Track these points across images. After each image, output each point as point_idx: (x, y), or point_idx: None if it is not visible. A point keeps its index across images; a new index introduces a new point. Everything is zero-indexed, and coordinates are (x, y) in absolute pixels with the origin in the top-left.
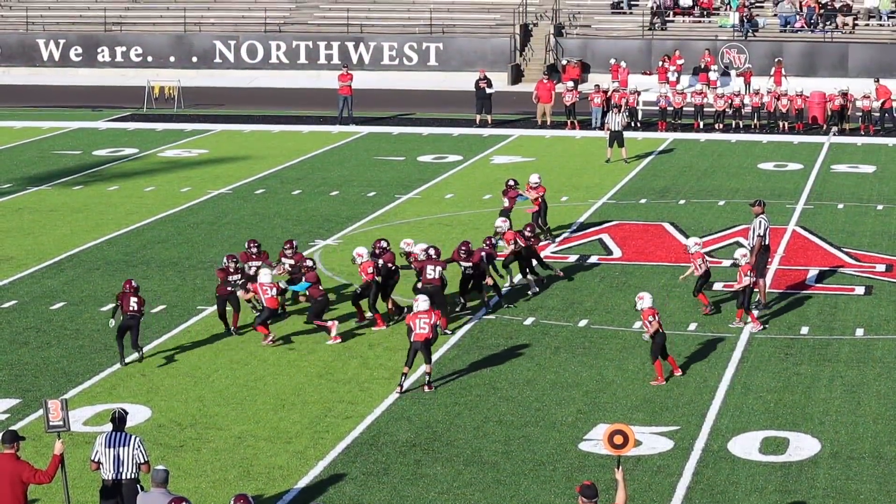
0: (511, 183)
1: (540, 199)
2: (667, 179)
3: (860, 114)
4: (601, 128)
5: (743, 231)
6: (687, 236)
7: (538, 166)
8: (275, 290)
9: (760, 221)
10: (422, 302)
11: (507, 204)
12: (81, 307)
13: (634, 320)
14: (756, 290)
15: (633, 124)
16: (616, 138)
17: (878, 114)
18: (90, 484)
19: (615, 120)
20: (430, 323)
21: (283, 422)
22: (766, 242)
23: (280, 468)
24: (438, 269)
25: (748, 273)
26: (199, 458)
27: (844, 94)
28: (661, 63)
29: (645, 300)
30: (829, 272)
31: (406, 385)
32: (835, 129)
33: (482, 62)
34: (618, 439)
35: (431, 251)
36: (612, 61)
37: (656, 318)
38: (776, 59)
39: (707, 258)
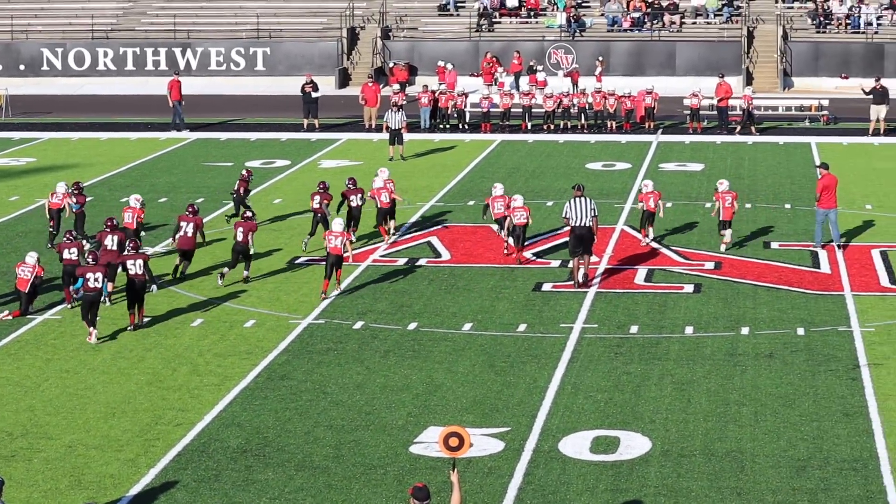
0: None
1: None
2: (495, 181)
3: (687, 112)
4: (429, 129)
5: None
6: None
7: (366, 170)
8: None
9: (588, 200)
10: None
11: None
12: None
13: (464, 322)
14: (581, 265)
15: (461, 126)
16: (396, 136)
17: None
18: None
19: (395, 118)
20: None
21: (113, 430)
22: (588, 224)
23: (111, 476)
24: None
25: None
26: (30, 468)
27: (650, 93)
28: (484, 64)
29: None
30: (658, 271)
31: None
32: (748, 128)
33: (310, 66)
34: (453, 441)
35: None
36: (440, 63)
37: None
38: (598, 58)
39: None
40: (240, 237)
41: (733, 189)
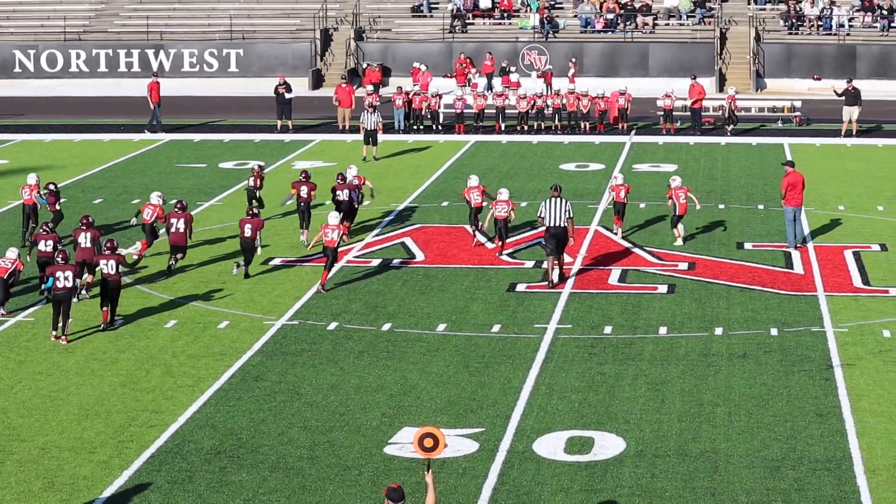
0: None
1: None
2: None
3: (660, 113)
4: (404, 131)
5: (540, 233)
6: (488, 238)
7: (340, 171)
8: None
9: (564, 201)
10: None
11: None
12: None
13: (438, 323)
14: (556, 266)
15: (435, 127)
16: (371, 136)
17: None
18: None
19: (370, 119)
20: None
21: (86, 432)
22: (563, 225)
23: (85, 478)
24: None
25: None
26: (2, 471)
27: (623, 94)
28: (457, 65)
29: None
30: (632, 271)
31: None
32: (729, 127)
33: (283, 67)
34: (428, 442)
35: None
36: (414, 64)
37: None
38: (571, 60)
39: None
40: (248, 233)
41: (709, 190)
